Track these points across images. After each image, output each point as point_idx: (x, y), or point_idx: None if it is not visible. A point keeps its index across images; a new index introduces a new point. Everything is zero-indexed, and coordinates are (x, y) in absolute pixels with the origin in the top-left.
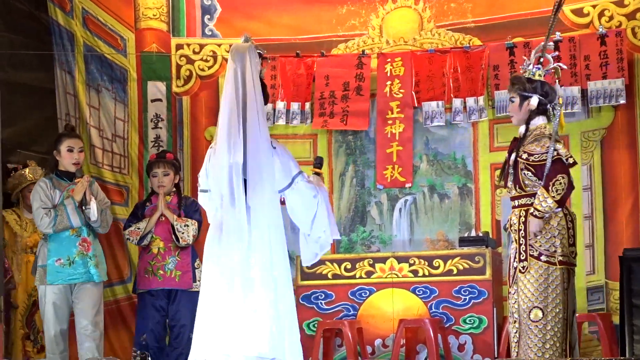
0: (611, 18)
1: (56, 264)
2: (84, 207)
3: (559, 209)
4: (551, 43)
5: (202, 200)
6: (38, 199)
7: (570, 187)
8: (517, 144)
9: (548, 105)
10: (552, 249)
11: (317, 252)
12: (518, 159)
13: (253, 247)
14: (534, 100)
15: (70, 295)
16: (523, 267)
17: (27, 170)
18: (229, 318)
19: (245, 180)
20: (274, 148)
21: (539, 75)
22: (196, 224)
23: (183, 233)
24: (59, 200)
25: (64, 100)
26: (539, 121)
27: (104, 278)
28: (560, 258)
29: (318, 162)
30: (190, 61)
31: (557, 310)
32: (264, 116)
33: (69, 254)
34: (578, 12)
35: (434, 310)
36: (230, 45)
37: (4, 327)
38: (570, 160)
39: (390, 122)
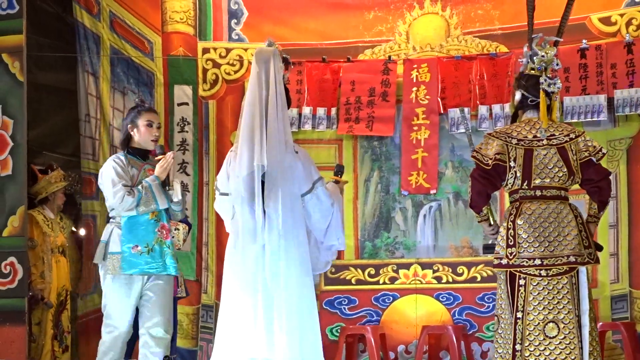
0: (639, 27)
1: (133, 251)
2: (167, 188)
3: (478, 213)
4: (552, 38)
5: (221, 203)
6: (114, 176)
7: (475, 187)
8: None
9: (535, 99)
10: (497, 254)
11: (328, 260)
12: None
13: (269, 252)
14: (517, 96)
15: (141, 290)
16: None
17: (53, 174)
18: (248, 325)
19: (262, 184)
20: (296, 152)
21: (531, 68)
22: (187, 228)
23: (174, 237)
24: (138, 179)
25: (84, 101)
26: (524, 116)
27: (178, 272)
28: (496, 261)
29: (339, 170)
30: (216, 65)
31: (504, 316)
32: (287, 121)
33: (148, 241)
34: (605, 21)
35: (457, 317)
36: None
37: (28, 328)
38: (486, 161)
39: (415, 128)
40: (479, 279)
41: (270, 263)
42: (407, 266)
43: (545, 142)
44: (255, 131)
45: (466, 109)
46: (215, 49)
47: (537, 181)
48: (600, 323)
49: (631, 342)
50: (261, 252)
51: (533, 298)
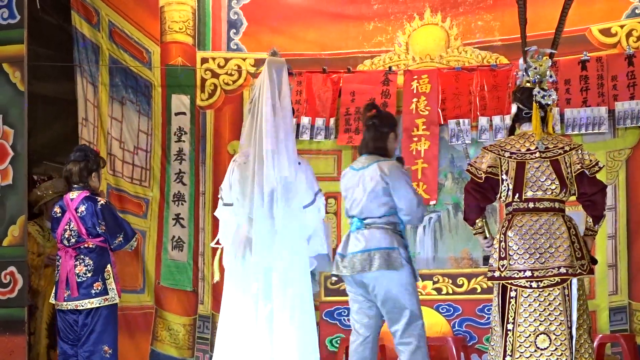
0: (639, 38)
1: None
2: None
3: (472, 226)
4: (547, 50)
5: (223, 214)
6: None
7: (468, 200)
8: None
9: (530, 112)
10: (490, 266)
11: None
12: None
13: (276, 264)
14: (513, 109)
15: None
16: None
17: (52, 183)
18: (247, 336)
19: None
20: (299, 164)
21: (527, 81)
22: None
23: None
24: None
25: (82, 106)
26: (520, 129)
27: None
28: (490, 274)
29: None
30: (215, 75)
31: (496, 328)
32: (293, 131)
33: None
34: (606, 32)
35: (457, 328)
36: (255, 60)
37: (27, 338)
38: (479, 174)
39: (415, 139)
40: (479, 290)
41: (275, 275)
42: None
43: (538, 155)
44: (278, 142)
45: (462, 121)
46: (214, 59)
47: (529, 194)
48: (600, 335)
49: (631, 354)
50: (270, 266)
51: (524, 310)
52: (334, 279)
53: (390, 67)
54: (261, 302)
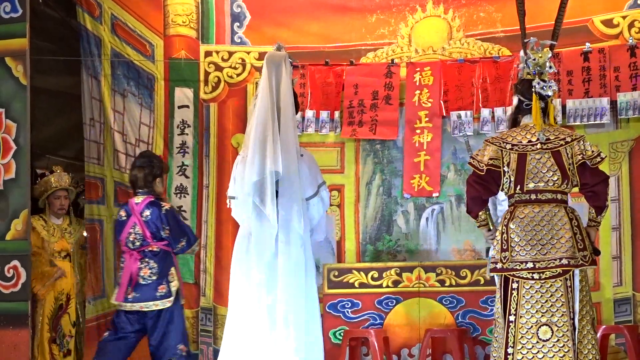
0: None
1: None
2: None
3: (475, 218)
4: (547, 41)
5: (234, 208)
6: None
7: (470, 192)
8: None
9: (531, 103)
10: (493, 258)
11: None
12: None
13: (282, 256)
14: (514, 101)
15: None
16: None
17: (52, 176)
18: (254, 330)
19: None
20: (302, 156)
21: (527, 73)
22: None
23: None
24: None
25: (89, 105)
26: (522, 121)
27: None
28: (492, 265)
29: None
30: (218, 68)
31: (500, 320)
32: (295, 125)
33: None
34: (608, 23)
35: (460, 320)
36: (259, 53)
37: (31, 332)
38: (481, 167)
39: (418, 131)
40: (482, 282)
41: (279, 267)
42: (410, 269)
43: (539, 146)
44: (269, 136)
45: (463, 113)
46: (217, 52)
47: (531, 185)
48: (604, 326)
49: (635, 345)
50: (273, 259)
51: (526, 301)
52: (337, 271)
53: (392, 60)
54: (264, 294)
